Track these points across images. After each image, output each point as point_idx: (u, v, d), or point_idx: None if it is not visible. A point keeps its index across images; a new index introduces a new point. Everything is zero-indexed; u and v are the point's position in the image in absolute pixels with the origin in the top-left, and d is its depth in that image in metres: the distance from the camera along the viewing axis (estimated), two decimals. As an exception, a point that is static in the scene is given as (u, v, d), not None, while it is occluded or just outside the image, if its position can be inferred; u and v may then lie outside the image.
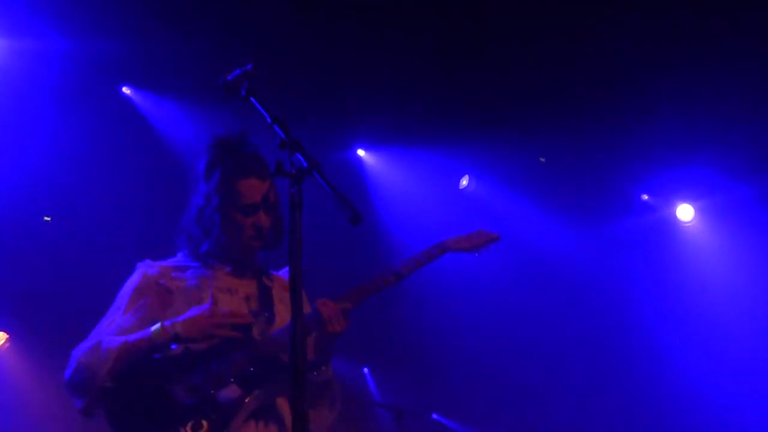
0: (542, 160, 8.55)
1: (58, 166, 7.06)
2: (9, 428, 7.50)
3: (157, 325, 2.87)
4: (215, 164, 3.16)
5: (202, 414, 2.80)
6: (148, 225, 7.22)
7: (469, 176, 8.39)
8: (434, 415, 10.41)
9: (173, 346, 2.90)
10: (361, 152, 8.19)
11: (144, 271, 3.13)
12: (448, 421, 10.34)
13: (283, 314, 3.10)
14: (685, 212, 8.30)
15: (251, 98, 2.54)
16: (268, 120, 2.42)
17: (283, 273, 3.34)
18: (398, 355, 9.73)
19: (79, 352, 2.92)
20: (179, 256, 3.27)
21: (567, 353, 8.97)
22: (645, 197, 8.32)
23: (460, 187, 8.39)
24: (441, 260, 3.36)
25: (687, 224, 8.30)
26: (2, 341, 8.15)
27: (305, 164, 2.21)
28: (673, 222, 8.37)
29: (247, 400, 2.89)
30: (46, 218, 8.09)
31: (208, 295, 3.00)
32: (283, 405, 3.00)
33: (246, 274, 3.23)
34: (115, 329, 2.98)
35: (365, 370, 10.32)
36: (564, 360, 8.98)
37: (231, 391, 2.87)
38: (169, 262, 3.22)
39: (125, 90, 7.00)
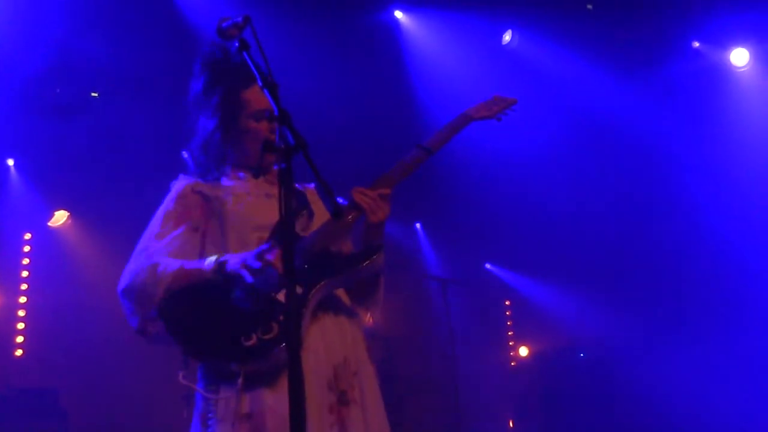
0: (589, 7, 8.23)
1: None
2: (72, 300, 7.80)
3: (212, 260, 2.84)
4: (214, 83, 3.10)
5: (271, 317, 2.75)
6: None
7: (512, 31, 8.10)
8: (487, 265, 10.65)
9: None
10: (398, 14, 7.93)
11: (182, 183, 3.10)
12: (501, 271, 10.57)
13: (320, 214, 3.12)
14: (739, 57, 7.94)
15: (244, 54, 2.45)
16: (259, 83, 2.34)
17: (309, 185, 3.36)
18: (450, 208, 9.85)
19: (135, 270, 2.89)
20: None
21: (618, 202, 8.96)
22: (696, 44, 7.95)
23: (503, 44, 8.12)
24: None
25: (741, 69, 7.96)
26: (64, 219, 8.45)
27: (291, 141, 2.14)
28: (725, 68, 8.03)
29: (309, 296, 2.83)
30: (93, 94, 8.20)
31: (246, 200, 3.03)
32: (342, 295, 3.05)
33: (275, 181, 3.10)
34: (166, 244, 2.96)
35: (417, 225, 10.46)
36: (614, 207, 8.99)
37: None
38: (200, 178, 3.15)
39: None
